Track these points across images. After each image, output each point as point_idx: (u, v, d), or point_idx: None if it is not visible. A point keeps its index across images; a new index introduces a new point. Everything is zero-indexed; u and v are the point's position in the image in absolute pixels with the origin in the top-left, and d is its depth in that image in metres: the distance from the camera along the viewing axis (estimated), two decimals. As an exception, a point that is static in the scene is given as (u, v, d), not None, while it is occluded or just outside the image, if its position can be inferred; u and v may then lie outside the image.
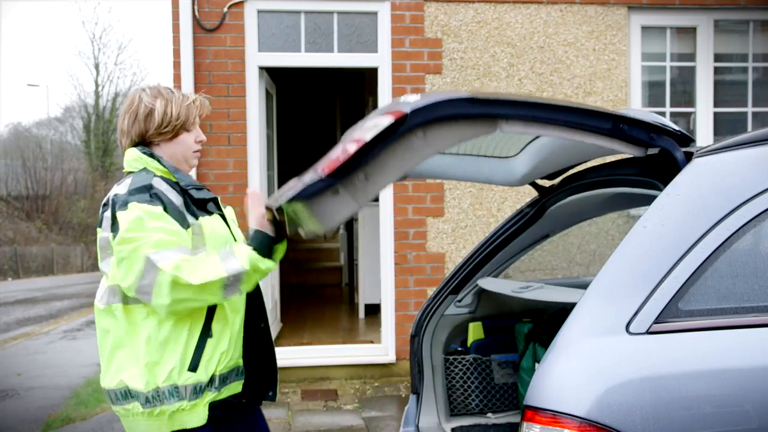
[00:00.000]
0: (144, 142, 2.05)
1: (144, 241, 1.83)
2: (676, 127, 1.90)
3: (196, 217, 1.99)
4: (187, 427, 1.92)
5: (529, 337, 2.67)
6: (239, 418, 2.14)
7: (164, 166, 2.02)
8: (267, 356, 2.17)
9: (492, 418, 2.84)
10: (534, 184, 2.74)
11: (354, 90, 9.63)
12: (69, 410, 5.36)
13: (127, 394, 1.92)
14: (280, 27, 5.40)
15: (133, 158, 2.02)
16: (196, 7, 5.26)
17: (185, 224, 1.94)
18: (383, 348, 5.54)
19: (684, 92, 5.80)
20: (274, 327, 6.05)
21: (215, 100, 5.32)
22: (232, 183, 5.35)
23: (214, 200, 2.11)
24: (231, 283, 1.86)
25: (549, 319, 2.69)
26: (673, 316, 1.61)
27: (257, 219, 1.97)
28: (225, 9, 5.28)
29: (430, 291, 5.31)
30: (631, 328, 1.59)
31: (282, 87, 6.38)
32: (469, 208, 5.50)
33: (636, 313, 1.60)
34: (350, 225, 8.63)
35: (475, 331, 2.85)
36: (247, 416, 2.18)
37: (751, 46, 5.81)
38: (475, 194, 5.51)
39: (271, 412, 4.76)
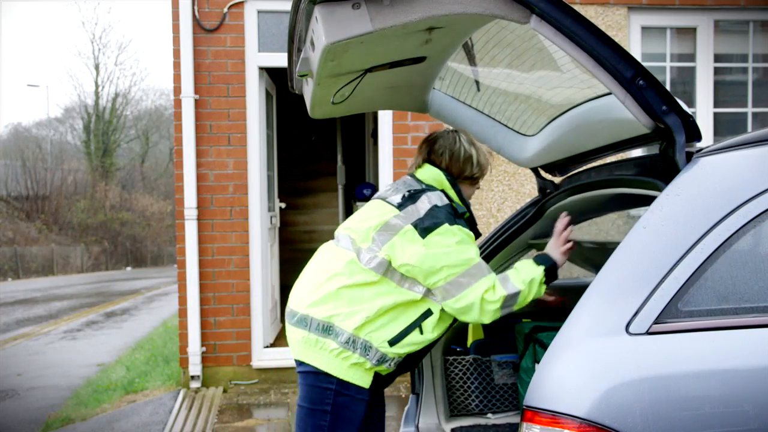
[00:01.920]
0: (452, 177, 2.35)
1: (472, 254, 2.16)
2: (691, 111, 1.86)
3: None
4: (357, 383, 2.18)
5: (528, 337, 2.67)
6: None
7: (462, 201, 2.33)
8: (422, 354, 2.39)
9: (492, 419, 2.84)
10: (537, 173, 2.74)
11: (354, 90, 9.60)
12: (69, 410, 5.36)
13: (327, 329, 2.17)
14: (280, 27, 5.40)
15: (434, 177, 2.33)
16: (196, 8, 5.26)
17: None
18: (383, 348, 5.54)
19: (684, 93, 5.80)
20: (274, 327, 6.05)
21: (215, 100, 5.33)
22: (231, 183, 5.35)
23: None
24: (508, 303, 2.16)
25: (548, 320, 2.69)
26: (672, 316, 1.60)
27: (561, 250, 2.28)
28: (225, 9, 5.28)
29: (430, 291, 5.30)
30: (631, 329, 1.59)
31: (282, 87, 6.37)
32: (469, 208, 5.50)
33: (636, 314, 1.60)
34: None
35: (474, 332, 2.86)
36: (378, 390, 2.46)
37: (751, 46, 5.81)
38: (475, 194, 5.50)
39: (271, 413, 4.76)
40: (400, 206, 2.21)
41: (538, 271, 2.19)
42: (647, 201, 1.83)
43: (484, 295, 2.11)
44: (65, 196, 31.03)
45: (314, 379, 2.20)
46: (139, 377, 6.15)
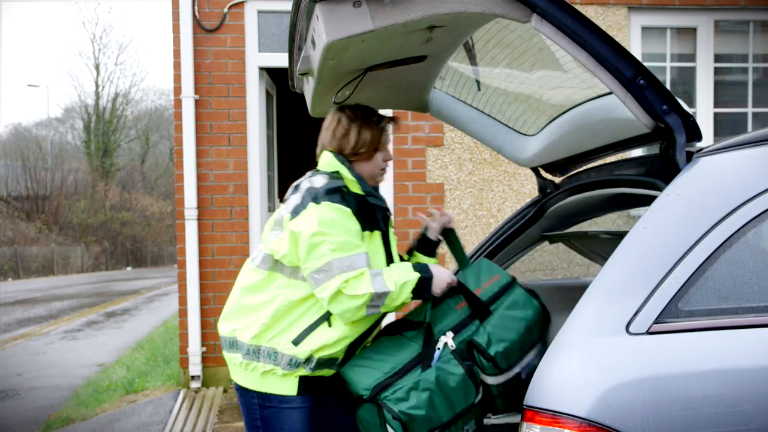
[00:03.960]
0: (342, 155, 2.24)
1: (331, 240, 2.01)
2: (691, 111, 1.85)
3: (364, 230, 2.15)
4: (276, 393, 2.10)
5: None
6: (332, 398, 2.25)
7: (353, 176, 2.18)
8: None
9: (492, 419, 2.83)
10: (537, 173, 2.74)
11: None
12: (69, 411, 5.36)
13: (233, 344, 2.15)
14: (281, 27, 5.40)
15: (327, 162, 2.22)
16: (196, 8, 5.26)
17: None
18: (383, 348, 5.54)
19: (684, 93, 5.80)
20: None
21: (215, 100, 5.33)
22: (232, 183, 5.35)
23: (386, 216, 2.27)
24: (375, 302, 2.02)
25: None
26: (673, 316, 1.60)
27: (443, 278, 2.14)
28: (225, 9, 5.28)
29: (430, 291, 5.30)
30: (631, 329, 1.59)
31: (282, 87, 6.36)
32: (469, 208, 5.50)
33: (636, 314, 1.60)
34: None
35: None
36: (342, 398, 2.24)
37: (751, 46, 5.81)
38: (475, 195, 5.51)
39: (271, 413, 4.75)
40: (287, 200, 2.20)
41: (412, 277, 2.05)
42: (647, 201, 1.83)
43: (342, 289, 1.98)
44: (65, 196, 31.04)
45: (241, 395, 2.18)
46: (139, 377, 6.15)
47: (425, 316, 2.14)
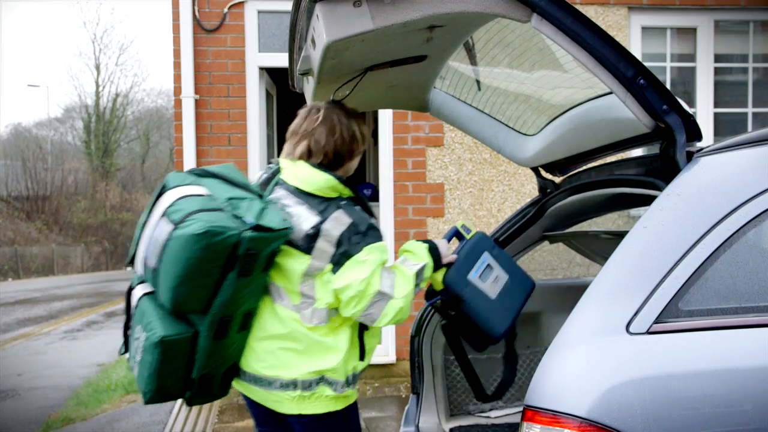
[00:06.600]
0: (329, 163, 2.14)
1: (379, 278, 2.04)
2: (691, 111, 1.86)
3: None
4: (351, 402, 2.19)
5: None
6: None
7: (353, 192, 2.11)
8: None
9: (492, 418, 2.84)
10: (538, 173, 2.74)
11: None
12: (69, 411, 5.36)
13: (320, 382, 2.09)
14: (281, 27, 5.40)
15: (329, 186, 2.06)
16: (196, 8, 5.26)
17: None
18: (383, 348, 5.54)
19: (684, 93, 5.80)
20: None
21: (215, 100, 5.33)
22: (232, 183, 5.35)
23: None
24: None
25: None
26: (673, 316, 1.60)
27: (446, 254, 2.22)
28: (225, 9, 5.28)
29: (431, 291, 5.30)
30: (632, 328, 1.59)
31: (282, 87, 6.36)
32: (469, 208, 5.50)
33: (636, 313, 1.60)
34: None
35: (475, 331, 2.85)
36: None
37: (752, 46, 5.81)
38: (475, 195, 5.51)
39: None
40: (309, 249, 2.14)
41: None
42: (647, 201, 1.83)
43: None
44: (65, 196, 31.03)
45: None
46: (139, 377, 6.14)
47: None
